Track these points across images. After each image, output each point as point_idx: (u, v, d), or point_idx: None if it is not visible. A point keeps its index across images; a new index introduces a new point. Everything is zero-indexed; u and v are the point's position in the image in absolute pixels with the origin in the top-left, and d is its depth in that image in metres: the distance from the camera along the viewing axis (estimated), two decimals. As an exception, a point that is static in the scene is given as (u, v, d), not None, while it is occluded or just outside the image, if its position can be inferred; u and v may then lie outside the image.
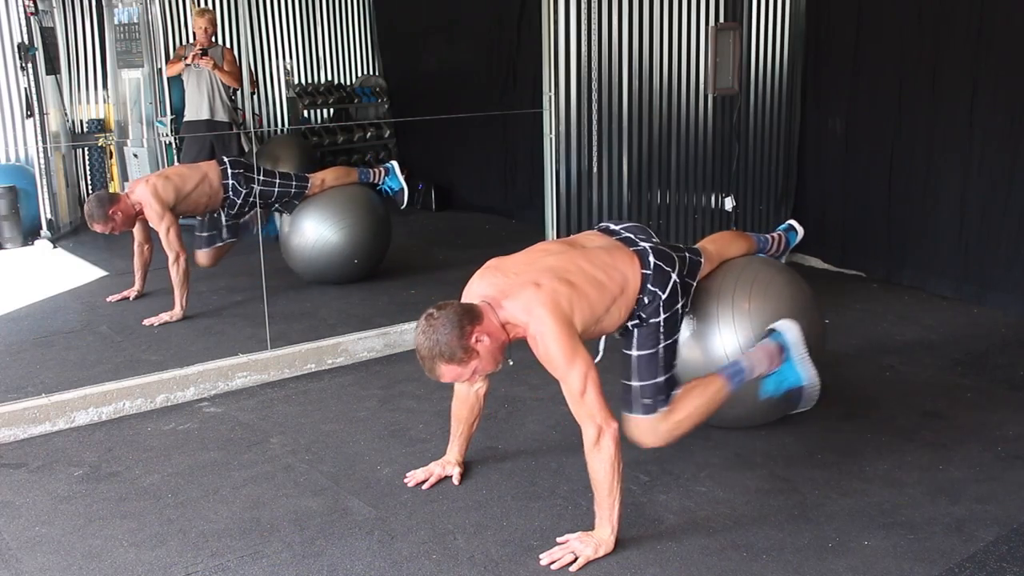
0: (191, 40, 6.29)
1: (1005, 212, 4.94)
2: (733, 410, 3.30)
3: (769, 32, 5.70)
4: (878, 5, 5.43)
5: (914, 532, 2.85)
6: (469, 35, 7.76)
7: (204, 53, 6.01)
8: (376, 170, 5.92)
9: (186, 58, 6.02)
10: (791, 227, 3.74)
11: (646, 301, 2.92)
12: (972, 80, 4.98)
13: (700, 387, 2.99)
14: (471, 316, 2.64)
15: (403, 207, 5.97)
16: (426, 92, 8.28)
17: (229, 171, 5.22)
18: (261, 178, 5.32)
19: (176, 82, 6.72)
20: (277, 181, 5.42)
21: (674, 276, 2.96)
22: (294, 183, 5.47)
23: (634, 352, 2.96)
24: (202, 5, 6.66)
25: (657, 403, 2.93)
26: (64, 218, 6.15)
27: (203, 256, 5.35)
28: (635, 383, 2.94)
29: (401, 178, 5.92)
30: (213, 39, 6.14)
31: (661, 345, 2.95)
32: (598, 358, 3.22)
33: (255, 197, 5.29)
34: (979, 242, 5.09)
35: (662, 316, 2.94)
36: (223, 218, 5.32)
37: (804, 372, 3.10)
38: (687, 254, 3.14)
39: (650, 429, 2.94)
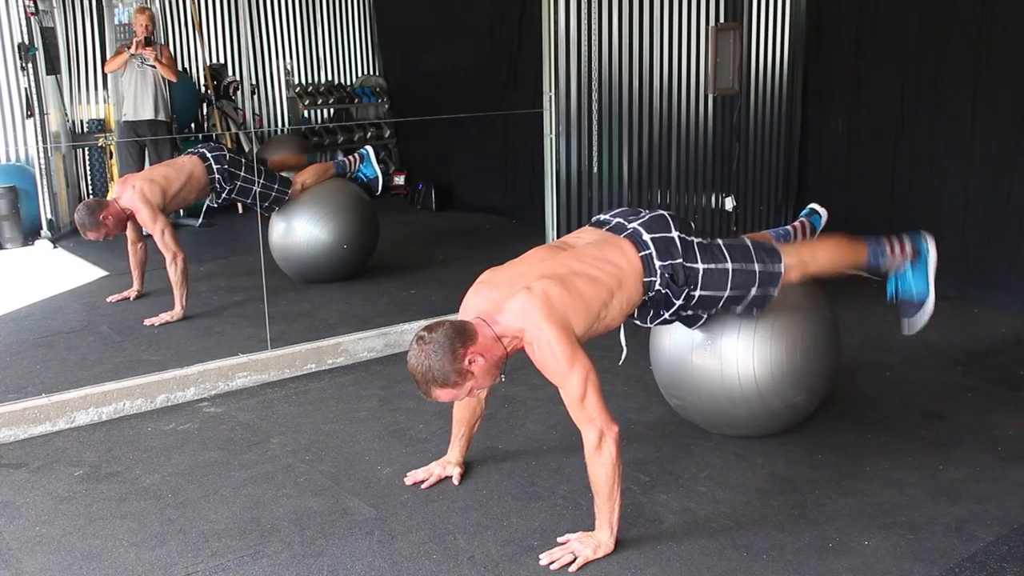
0: (129, 38, 6.25)
1: (1007, 212, 4.93)
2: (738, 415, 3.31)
3: (769, 32, 5.70)
4: (878, 5, 5.43)
5: (914, 532, 2.85)
6: (469, 35, 7.75)
7: (148, 42, 5.96)
8: (351, 158, 5.90)
9: (129, 46, 5.98)
10: (813, 211, 3.67)
11: (668, 275, 2.87)
12: (973, 80, 4.98)
13: (843, 242, 3.21)
14: (463, 337, 2.58)
15: (377, 194, 5.93)
16: (426, 92, 8.28)
17: (214, 166, 5.19)
18: (243, 174, 5.29)
19: (180, 82, 6.70)
20: (260, 180, 5.34)
21: (674, 233, 2.91)
22: (276, 185, 5.42)
23: (698, 292, 2.94)
24: (141, 4, 6.62)
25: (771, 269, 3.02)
26: (64, 218, 6.16)
27: None
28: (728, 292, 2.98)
29: (376, 166, 5.89)
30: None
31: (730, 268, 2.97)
32: (623, 355, 3.20)
33: (237, 192, 5.29)
34: (981, 242, 5.09)
35: (701, 266, 2.92)
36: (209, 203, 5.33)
37: (929, 287, 3.19)
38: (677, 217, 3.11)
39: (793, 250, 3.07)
